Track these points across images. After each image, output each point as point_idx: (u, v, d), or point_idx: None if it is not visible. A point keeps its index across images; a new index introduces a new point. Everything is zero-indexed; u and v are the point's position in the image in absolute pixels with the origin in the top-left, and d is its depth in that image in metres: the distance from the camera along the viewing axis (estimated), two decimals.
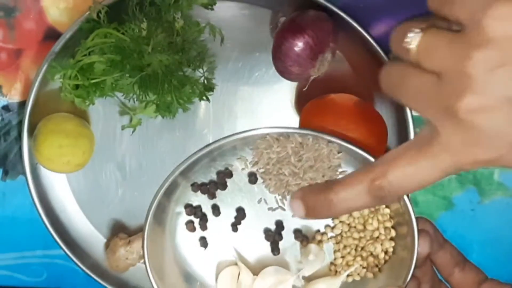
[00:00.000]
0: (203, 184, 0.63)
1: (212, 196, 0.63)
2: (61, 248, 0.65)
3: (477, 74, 0.37)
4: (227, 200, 0.63)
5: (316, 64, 0.59)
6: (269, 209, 0.63)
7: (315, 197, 0.48)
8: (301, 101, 0.65)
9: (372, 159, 0.56)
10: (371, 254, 0.61)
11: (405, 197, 0.56)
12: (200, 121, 0.65)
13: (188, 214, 0.63)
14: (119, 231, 0.67)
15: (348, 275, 0.61)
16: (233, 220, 0.64)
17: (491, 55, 0.37)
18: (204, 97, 0.62)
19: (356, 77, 0.65)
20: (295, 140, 0.57)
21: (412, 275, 0.56)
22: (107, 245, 0.67)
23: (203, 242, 0.64)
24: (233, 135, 0.57)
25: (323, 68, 0.60)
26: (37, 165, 0.64)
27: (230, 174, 0.62)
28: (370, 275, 0.61)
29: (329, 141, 0.57)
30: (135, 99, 0.61)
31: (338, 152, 0.58)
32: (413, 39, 0.41)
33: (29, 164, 0.64)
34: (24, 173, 0.64)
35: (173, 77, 0.60)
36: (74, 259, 0.66)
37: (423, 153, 0.42)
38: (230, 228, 0.64)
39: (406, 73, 0.42)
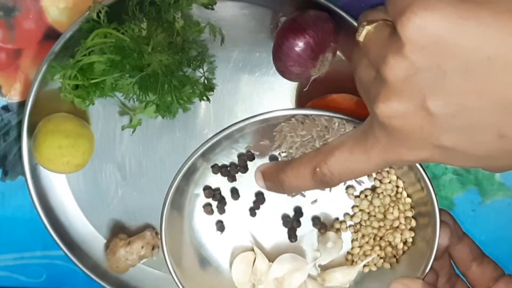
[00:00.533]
0: (223, 166, 0.62)
1: (232, 179, 0.62)
2: (60, 248, 0.65)
3: (393, 80, 0.38)
4: (247, 184, 0.63)
5: (316, 64, 0.59)
6: (288, 194, 0.62)
7: (271, 175, 0.53)
8: (302, 101, 0.64)
9: None
10: (390, 244, 0.60)
11: (430, 187, 0.55)
12: (201, 121, 0.65)
13: (207, 196, 0.63)
14: (119, 232, 0.67)
15: (365, 265, 0.61)
16: (251, 204, 0.63)
17: (405, 62, 0.37)
18: (205, 97, 0.62)
19: None
20: (320, 124, 0.57)
21: (430, 267, 0.55)
22: (107, 246, 0.67)
23: (220, 226, 0.63)
24: (254, 116, 0.57)
25: (324, 68, 0.59)
26: (37, 166, 0.64)
27: (252, 157, 0.62)
28: (387, 265, 0.61)
29: (355, 126, 0.56)
30: (135, 99, 0.61)
31: None
32: (362, 31, 0.41)
33: (28, 165, 0.64)
34: (23, 174, 0.64)
35: (173, 77, 0.59)
36: (74, 259, 0.66)
37: (358, 146, 0.44)
38: (248, 212, 0.63)
39: (359, 62, 0.43)
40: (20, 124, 0.64)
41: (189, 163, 0.58)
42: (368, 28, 0.41)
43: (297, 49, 0.58)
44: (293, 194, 0.62)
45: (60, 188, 0.67)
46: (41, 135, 0.61)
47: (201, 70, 0.62)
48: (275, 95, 0.65)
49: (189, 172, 0.60)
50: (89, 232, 0.67)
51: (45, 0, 0.64)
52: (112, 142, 0.66)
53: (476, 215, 0.67)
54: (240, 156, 0.62)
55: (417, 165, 0.55)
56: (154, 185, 0.66)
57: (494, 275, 0.53)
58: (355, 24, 0.61)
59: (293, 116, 0.58)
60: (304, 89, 0.61)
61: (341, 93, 0.62)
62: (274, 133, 0.60)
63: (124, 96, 0.62)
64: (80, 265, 0.66)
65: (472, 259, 0.54)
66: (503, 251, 0.68)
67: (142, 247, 0.65)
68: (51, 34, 0.64)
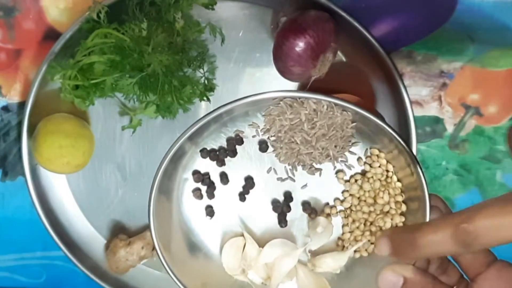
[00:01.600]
0: (212, 151, 0.62)
1: (221, 163, 0.62)
2: (60, 249, 0.65)
3: None
4: (236, 168, 0.63)
5: (317, 64, 0.59)
6: (278, 179, 0.62)
7: (401, 235, 0.48)
8: None
9: (386, 126, 0.55)
10: (380, 229, 0.60)
11: (420, 172, 0.55)
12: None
13: (196, 181, 0.62)
14: (119, 232, 0.67)
15: (355, 251, 0.61)
16: (241, 189, 0.63)
17: None
18: (205, 98, 0.62)
19: (357, 77, 0.64)
20: (309, 107, 0.57)
21: None
22: (107, 246, 0.67)
23: (210, 211, 0.63)
24: (243, 98, 0.56)
25: (324, 68, 0.59)
26: (37, 166, 0.64)
27: (240, 141, 0.62)
28: None
29: (344, 109, 0.56)
30: (135, 100, 0.61)
31: (352, 122, 0.58)
32: None
33: (28, 165, 0.64)
34: (23, 174, 0.64)
35: (174, 78, 0.59)
36: (74, 260, 0.65)
37: (510, 204, 0.42)
38: (238, 197, 0.63)
39: None
40: (20, 124, 0.64)
41: (177, 146, 0.57)
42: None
43: (297, 49, 0.58)
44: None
45: (60, 189, 0.66)
46: (41, 136, 0.61)
47: (201, 70, 0.62)
48: None
49: (177, 156, 0.59)
50: (89, 232, 0.67)
51: (45, 0, 0.63)
52: (112, 142, 0.66)
53: None
54: (229, 140, 0.62)
55: (407, 148, 0.56)
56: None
57: (486, 261, 0.52)
58: (356, 24, 0.61)
59: (282, 99, 0.57)
60: (305, 89, 0.60)
61: (341, 93, 0.62)
62: (263, 117, 0.60)
63: (124, 97, 0.62)
64: (80, 266, 0.66)
65: None
66: (503, 252, 0.68)
67: (142, 248, 0.65)
68: (51, 34, 0.64)
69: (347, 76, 0.64)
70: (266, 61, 0.64)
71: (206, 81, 0.62)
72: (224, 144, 0.62)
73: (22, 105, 0.65)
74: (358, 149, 0.60)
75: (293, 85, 0.64)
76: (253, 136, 0.62)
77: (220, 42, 0.62)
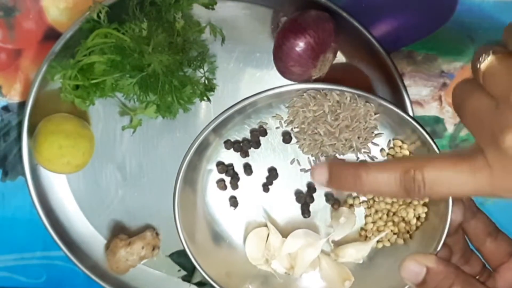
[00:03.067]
0: (236, 142, 0.62)
1: (245, 154, 0.63)
2: (61, 249, 0.65)
3: None
4: (260, 160, 0.63)
5: (317, 64, 0.59)
6: (301, 170, 0.63)
7: (343, 167, 0.47)
8: None
9: (408, 118, 0.55)
10: (403, 220, 0.60)
11: None
12: (201, 121, 0.65)
13: (220, 172, 0.63)
14: (119, 232, 0.67)
15: (378, 241, 0.61)
16: (264, 180, 0.63)
17: None
18: (205, 98, 0.62)
19: (357, 77, 0.64)
20: (332, 98, 0.57)
21: (444, 243, 0.55)
22: (107, 246, 0.67)
23: (233, 201, 0.64)
24: (267, 90, 0.57)
25: (325, 68, 0.59)
26: (37, 166, 0.64)
27: (264, 132, 0.62)
28: (400, 241, 0.61)
29: (367, 101, 0.57)
30: (136, 100, 0.61)
31: (375, 114, 0.58)
32: (484, 60, 0.41)
33: (28, 165, 0.64)
34: (23, 174, 0.64)
35: (174, 78, 0.59)
36: (74, 260, 0.65)
37: (465, 163, 0.41)
38: (261, 188, 0.63)
39: (470, 93, 0.41)
40: (20, 124, 0.64)
41: (201, 137, 0.58)
42: (490, 57, 0.40)
43: (297, 49, 0.58)
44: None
45: (60, 189, 0.66)
46: (41, 136, 0.61)
47: (201, 70, 0.62)
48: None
49: (202, 148, 0.60)
50: (89, 232, 0.67)
51: (45, 0, 0.63)
52: (113, 142, 0.66)
53: None
54: (252, 131, 0.62)
55: (429, 139, 0.56)
56: (154, 185, 0.66)
57: (509, 251, 0.52)
58: (356, 24, 0.61)
59: (305, 91, 0.58)
60: None
61: None
62: (286, 108, 0.60)
63: (124, 97, 0.62)
64: (80, 266, 0.66)
65: (487, 234, 0.53)
66: None
67: (143, 248, 0.65)
68: (51, 34, 0.64)
69: (347, 76, 0.64)
70: (266, 61, 0.64)
71: (206, 81, 0.62)
72: (247, 135, 0.63)
73: (22, 105, 0.65)
74: (381, 140, 0.61)
75: None
76: (277, 128, 0.62)
77: (220, 42, 0.62)
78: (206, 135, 0.59)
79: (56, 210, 0.66)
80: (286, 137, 0.62)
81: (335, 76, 0.62)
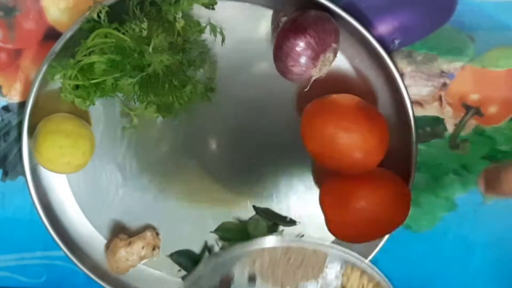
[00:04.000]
0: None
1: None
2: (61, 249, 0.65)
3: None
4: None
5: (317, 64, 0.59)
6: None
7: None
8: (303, 102, 0.64)
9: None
10: None
11: None
12: (201, 122, 0.65)
13: None
14: (120, 232, 0.67)
15: None
16: None
17: None
18: (205, 98, 0.62)
19: (358, 77, 0.65)
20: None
21: None
22: (107, 246, 0.67)
23: None
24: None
25: (325, 68, 0.59)
26: (37, 166, 0.64)
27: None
28: None
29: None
30: (136, 100, 0.61)
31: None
32: None
33: (29, 165, 0.64)
34: (24, 174, 0.64)
35: (174, 78, 0.59)
36: (74, 260, 0.65)
37: None
38: None
39: None
40: (20, 124, 0.64)
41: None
42: None
43: (298, 49, 0.58)
44: None
45: (61, 189, 0.66)
46: (41, 136, 0.61)
47: (201, 70, 0.62)
48: (276, 95, 0.65)
49: None
50: (89, 232, 0.67)
51: (45, 0, 0.63)
52: (113, 142, 0.66)
53: (477, 215, 0.67)
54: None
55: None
56: (154, 185, 0.66)
57: None
58: (356, 24, 0.61)
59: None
60: (305, 89, 0.60)
61: (341, 94, 0.62)
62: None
63: (124, 97, 0.62)
64: (80, 266, 0.66)
65: None
66: (504, 252, 0.68)
67: (143, 248, 0.65)
68: (51, 34, 0.64)
69: (347, 76, 0.64)
70: (266, 61, 0.64)
71: (206, 81, 0.62)
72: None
73: (22, 105, 0.65)
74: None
75: (294, 86, 0.64)
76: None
77: (220, 42, 0.62)
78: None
79: (56, 210, 0.66)
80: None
81: (335, 76, 0.62)
